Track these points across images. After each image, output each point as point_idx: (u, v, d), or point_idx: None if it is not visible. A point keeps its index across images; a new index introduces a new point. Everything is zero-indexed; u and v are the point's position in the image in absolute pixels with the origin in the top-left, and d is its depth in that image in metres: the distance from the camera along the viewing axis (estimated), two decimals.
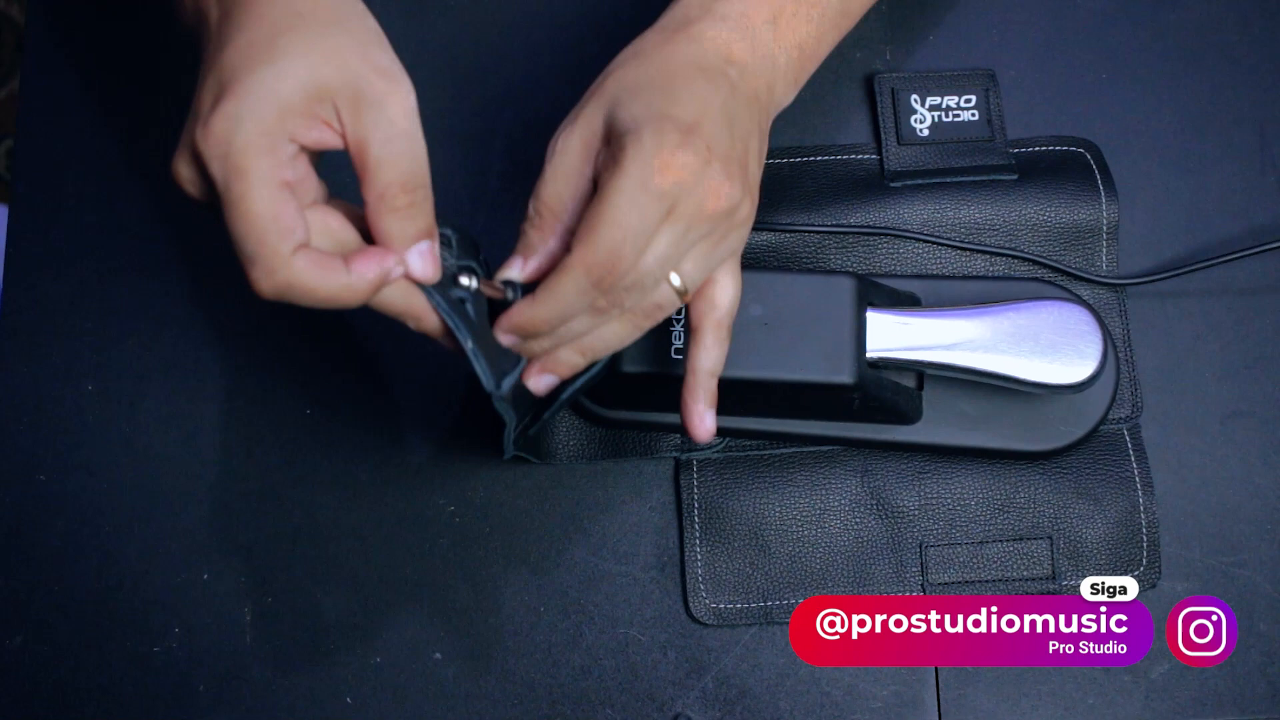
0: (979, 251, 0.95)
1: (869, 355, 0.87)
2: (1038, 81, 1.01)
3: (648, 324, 0.80)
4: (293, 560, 0.93)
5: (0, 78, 1.01)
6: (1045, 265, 0.95)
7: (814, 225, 0.95)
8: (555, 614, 0.92)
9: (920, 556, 0.92)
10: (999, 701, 0.91)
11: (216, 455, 0.94)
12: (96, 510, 0.93)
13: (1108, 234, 0.96)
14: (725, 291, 0.81)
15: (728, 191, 0.77)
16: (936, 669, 0.91)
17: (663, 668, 0.92)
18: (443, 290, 0.77)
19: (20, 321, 0.96)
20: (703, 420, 0.82)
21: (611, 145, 0.77)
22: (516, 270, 0.78)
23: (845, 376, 0.86)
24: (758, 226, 0.94)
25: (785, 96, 0.86)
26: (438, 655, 0.91)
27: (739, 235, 0.80)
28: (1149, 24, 1.02)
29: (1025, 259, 0.95)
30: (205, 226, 0.96)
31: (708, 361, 0.82)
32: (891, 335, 0.87)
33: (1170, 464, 0.94)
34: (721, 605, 0.92)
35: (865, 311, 0.87)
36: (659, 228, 0.76)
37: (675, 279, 0.78)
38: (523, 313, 0.77)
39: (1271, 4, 1.02)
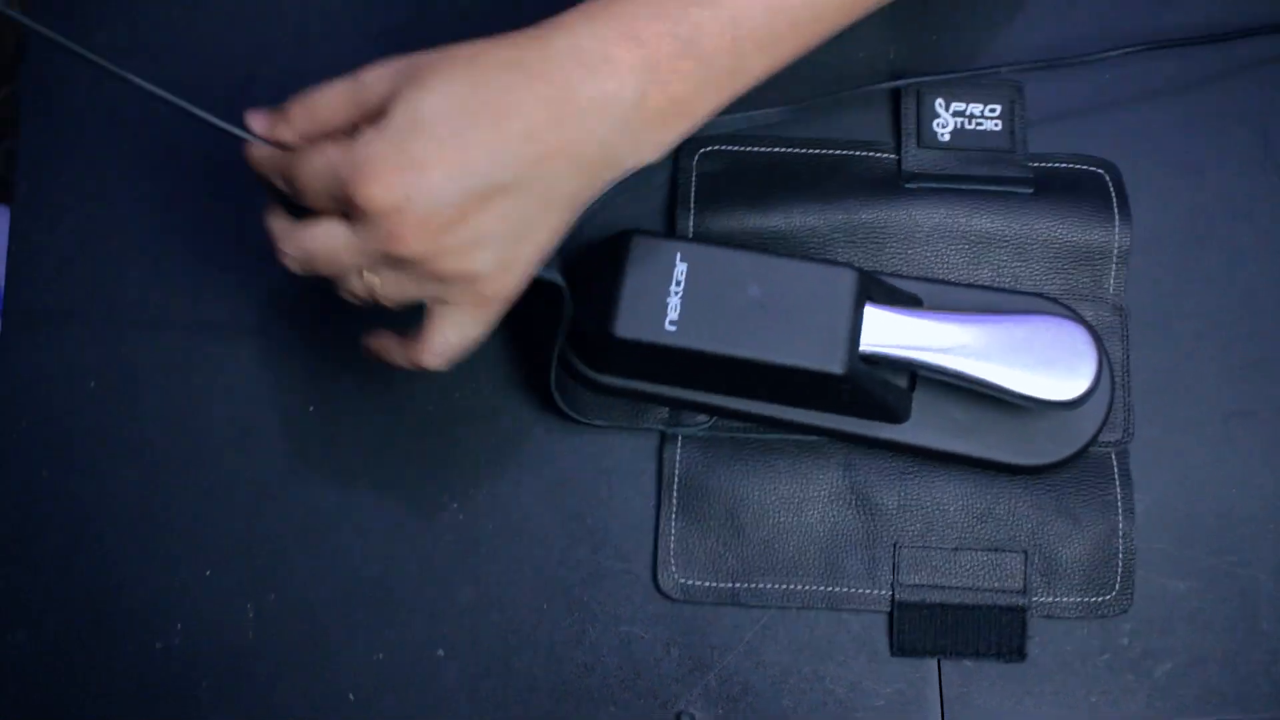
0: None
1: (862, 349, 0.87)
2: (1064, 98, 1.00)
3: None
4: (295, 557, 0.93)
5: (0, 78, 1.01)
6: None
7: (824, 219, 0.95)
8: (559, 612, 0.92)
9: (893, 556, 0.92)
10: (1002, 699, 0.91)
11: (218, 453, 0.94)
12: (98, 507, 0.94)
13: (1118, 258, 0.95)
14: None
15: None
16: (939, 665, 0.91)
17: (666, 665, 0.92)
18: None
19: (20, 321, 0.96)
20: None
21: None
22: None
23: (835, 366, 0.86)
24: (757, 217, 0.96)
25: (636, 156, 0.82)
26: (440, 653, 0.92)
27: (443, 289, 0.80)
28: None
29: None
30: (206, 225, 0.97)
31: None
32: (887, 332, 0.87)
33: (1173, 462, 0.94)
34: (690, 582, 0.92)
35: (864, 305, 0.87)
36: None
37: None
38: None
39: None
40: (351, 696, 0.91)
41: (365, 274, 0.79)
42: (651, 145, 0.81)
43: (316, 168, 0.77)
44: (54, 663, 0.92)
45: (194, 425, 0.95)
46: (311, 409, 0.95)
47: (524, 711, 0.91)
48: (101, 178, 0.99)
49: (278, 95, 1.00)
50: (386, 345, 0.85)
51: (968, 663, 0.91)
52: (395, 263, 0.77)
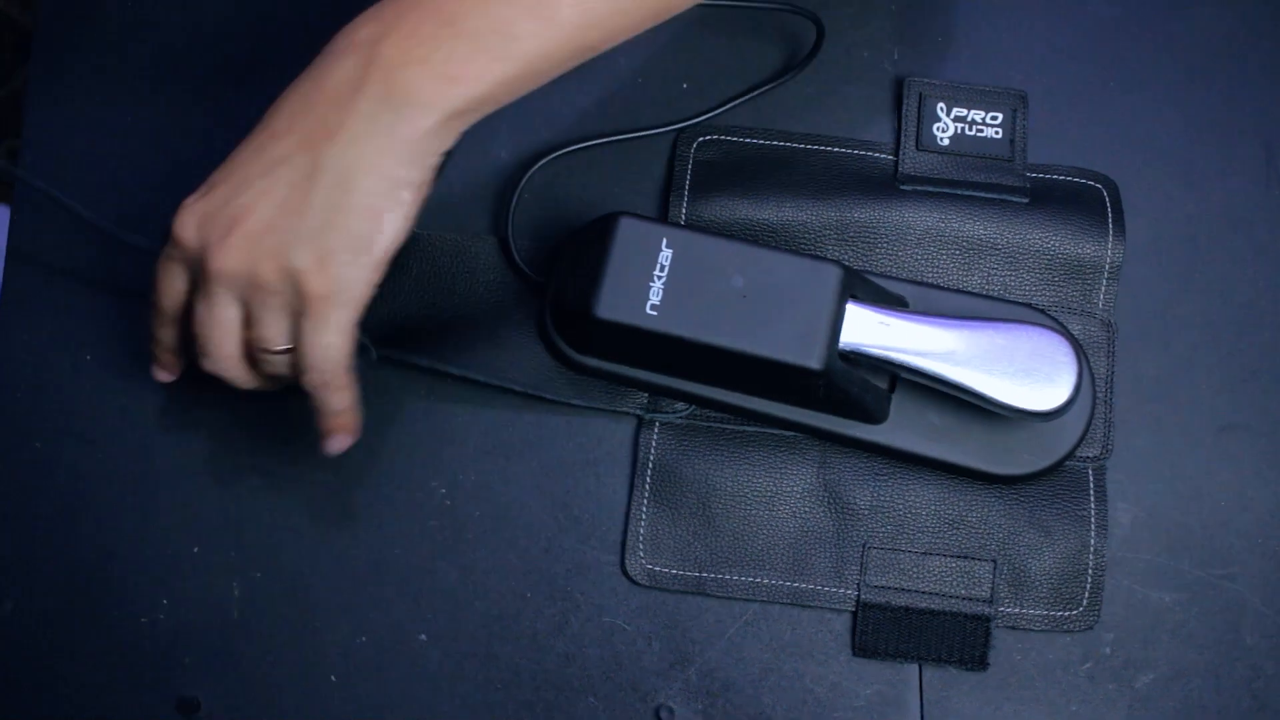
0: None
1: (841, 346, 0.87)
2: (1067, 108, 1.00)
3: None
4: (282, 538, 0.93)
5: (0, 78, 1.01)
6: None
7: (817, 214, 0.95)
8: (542, 600, 0.92)
9: (862, 557, 0.92)
10: (981, 705, 0.91)
11: (211, 430, 0.95)
12: (90, 480, 0.94)
13: (1109, 274, 0.95)
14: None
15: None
16: (920, 669, 0.91)
17: (646, 658, 0.92)
18: None
19: (20, 291, 0.97)
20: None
21: None
22: None
23: (813, 362, 0.86)
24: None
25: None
26: (423, 637, 0.92)
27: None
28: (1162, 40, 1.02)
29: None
30: None
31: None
32: (868, 331, 0.87)
33: (1163, 473, 0.94)
34: (657, 568, 0.92)
35: (846, 303, 0.87)
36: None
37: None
38: None
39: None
40: (333, 677, 0.91)
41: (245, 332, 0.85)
42: (436, 101, 0.81)
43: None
44: (40, 634, 0.92)
45: (185, 404, 0.95)
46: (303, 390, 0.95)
47: (504, 698, 0.91)
48: (100, 177, 0.99)
49: (277, 94, 1.01)
50: (324, 422, 0.88)
51: (951, 667, 0.91)
52: (239, 287, 0.83)
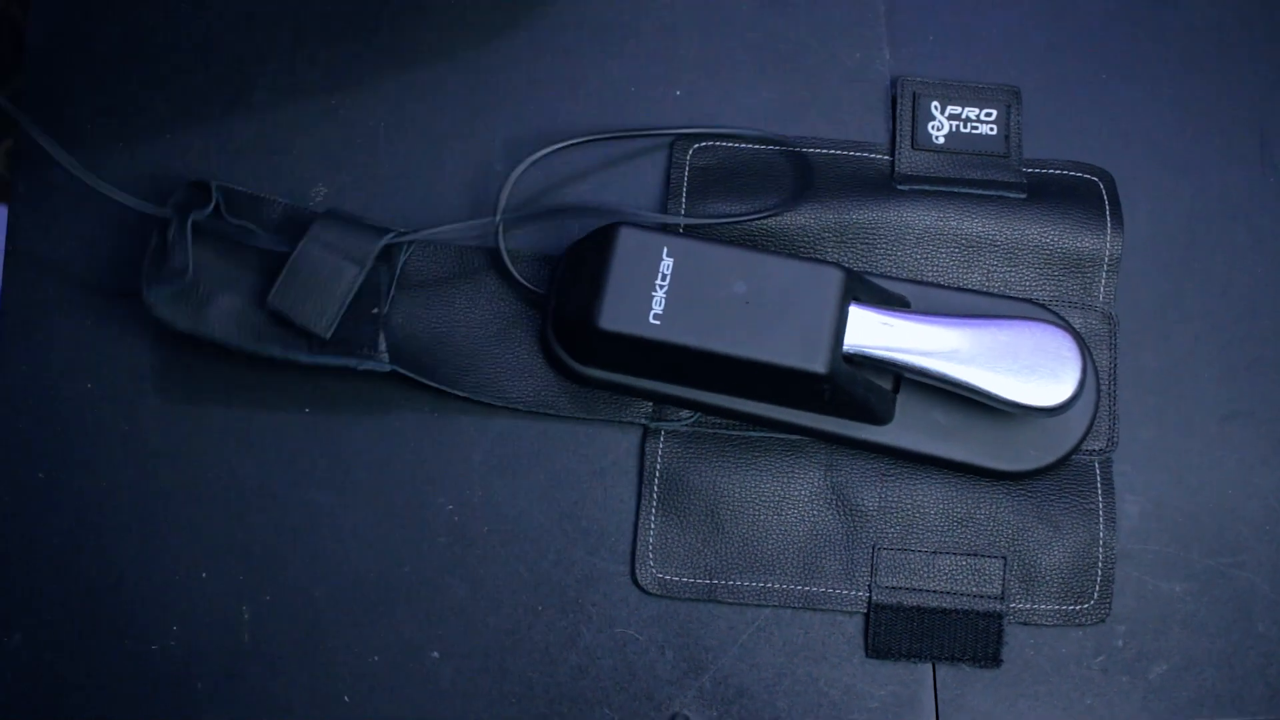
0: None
1: (845, 349, 0.87)
2: (1061, 106, 1.00)
3: None
4: (291, 559, 0.93)
5: (0, 78, 1.02)
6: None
7: (815, 218, 0.95)
8: (553, 613, 0.92)
9: (872, 558, 0.92)
10: (996, 703, 0.91)
11: (216, 454, 0.94)
12: (95, 508, 0.94)
13: (1108, 266, 0.95)
14: None
15: None
16: (934, 668, 0.91)
17: (660, 667, 0.92)
18: None
19: (20, 319, 0.97)
20: None
21: None
22: None
23: (818, 365, 0.86)
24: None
25: None
26: (435, 654, 0.92)
27: None
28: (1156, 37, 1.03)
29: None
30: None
31: None
32: (871, 332, 0.87)
33: (1169, 463, 0.94)
34: (667, 577, 0.92)
35: (849, 305, 0.87)
36: None
37: None
38: None
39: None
40: (346, 698, 0.91)
41: None
42: None
43: None
44: (50, 664, 0.92)
45: (191, 426, 0.95)
46: (308, 410, 0.95)
47: (518, 713, 0.91)
48: (100, 176, 0.99)
49: (276, 95, 1.01)
50: None
51: (965, 665, 0.91)
52: None
